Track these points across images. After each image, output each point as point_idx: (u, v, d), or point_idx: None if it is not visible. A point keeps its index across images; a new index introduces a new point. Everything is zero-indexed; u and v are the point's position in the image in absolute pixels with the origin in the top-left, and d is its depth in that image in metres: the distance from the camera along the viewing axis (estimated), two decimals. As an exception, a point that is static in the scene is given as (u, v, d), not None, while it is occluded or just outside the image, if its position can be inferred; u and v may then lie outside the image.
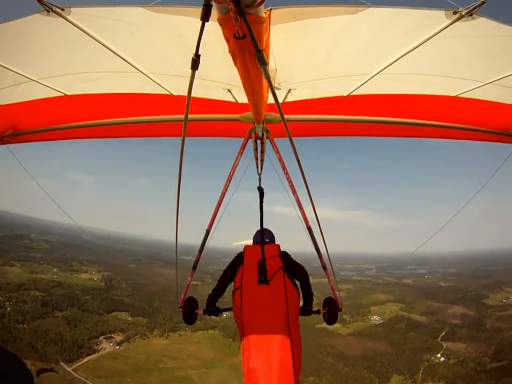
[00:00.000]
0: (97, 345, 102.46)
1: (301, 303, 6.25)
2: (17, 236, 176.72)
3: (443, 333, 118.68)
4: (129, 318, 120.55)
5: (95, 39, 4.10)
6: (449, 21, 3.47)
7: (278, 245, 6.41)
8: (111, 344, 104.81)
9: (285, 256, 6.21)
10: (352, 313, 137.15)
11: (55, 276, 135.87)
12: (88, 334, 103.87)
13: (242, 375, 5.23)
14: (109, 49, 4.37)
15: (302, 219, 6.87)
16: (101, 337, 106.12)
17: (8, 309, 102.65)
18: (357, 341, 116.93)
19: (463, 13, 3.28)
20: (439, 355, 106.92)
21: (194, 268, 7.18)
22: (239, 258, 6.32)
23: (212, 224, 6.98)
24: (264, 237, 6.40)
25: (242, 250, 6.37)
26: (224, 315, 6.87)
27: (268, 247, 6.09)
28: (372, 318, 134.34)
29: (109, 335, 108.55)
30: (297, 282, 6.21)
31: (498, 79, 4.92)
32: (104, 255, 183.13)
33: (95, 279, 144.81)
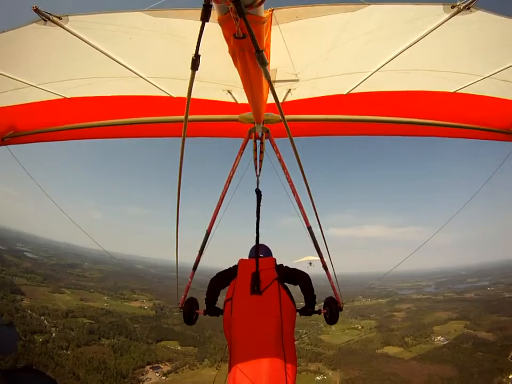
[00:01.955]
0: (143, 375, 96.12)
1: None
2: (70, 265, 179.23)
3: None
4: (179, 348, 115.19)
5: (93, 47, 4.15)
6: (447, 15, 3.52)
7: (274, 259, 6.17)
8: (158, 374, 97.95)
9: (281, 268, 5.99)
10: (415, 335, 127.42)
11: (105, 304, 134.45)
12: (133, 364, 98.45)
13: None
14: (108, 56, 4.43)
15: (303, 219, 6.67)
16: (147, 367, 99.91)
17: (53, 334, 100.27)
18: (421, 366, 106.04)
19: (461, 7, 3.34)
20: (511, 376, 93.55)
21: (194, 268, 7.21)
22: (232, 270, 6.10)
23: (212, 225, 6.87)
24: (259, 252, 6.14)
25: (237, 263, 6.16)
26: None
27: (263, 260, 5.92)
28: (435, 339, 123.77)
29: (156, 364, 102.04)
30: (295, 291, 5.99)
31: (498, 72, 4.85)
32: (156, 284, 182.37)
33: (145, 307, 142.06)
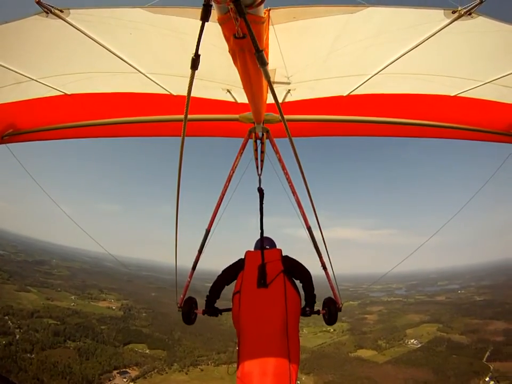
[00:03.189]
0: (110, 380, 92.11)
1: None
2: (37, 262, 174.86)
3: (488, 353, 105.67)
4: (147, 351, 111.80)
5: (94, 40, 4.14)
6: (448, 20, 3.52)
7: (280, 250, 6.24)
8: (125, 379, 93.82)
9: (286, 259, 6.03)
10: (388, 338, 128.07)
11: (72, 304, 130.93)
12: (100, 368, 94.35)
13: (236, 380, 4.97)
14: (108, 50, 4.40)
15: (302, 219, 6.67)
16: (114, 372, 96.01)
17: (18, 336, 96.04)
18: (396, 370, 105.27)
19: (462, 12, 3.33)
20: (487, 378, 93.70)
21: (193, 267, 7.11)
22: (240, 263, 6.13)
23: (212, 224, 6.84)
24: (264, 243, 6.20)
25: (243, 256, 6.24)
26: None
27: (269, 252, 5.98)
28: (409, 342, 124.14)
29: (123, 369, 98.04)
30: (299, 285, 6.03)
31: (498, 78, 4.87)
32: (126, 283, 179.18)
33: (113, 307, 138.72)
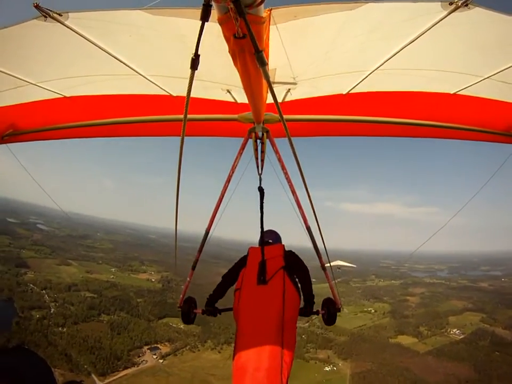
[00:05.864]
0: (139, 357, 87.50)
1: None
2: (81, 236, 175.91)
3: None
4: (181, 326, 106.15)
5: (93, 43, 4.10)
6: (445, 12, 3.46)
7: (283, 245, 6.18)
8: (155, 356, 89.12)
9: (289, 255, 5.91)
10: (430, 325, 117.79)
11: (112, 276, 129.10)
12: (130, 344, 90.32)
13: (232, 375, 4.92)
14: (107, 53, 4.36)
15: (302, 219, 6.46)
16: (145, 348, 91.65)
17: (52, 310, 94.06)
18: (437, 362, 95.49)
19: (459, 3, 3.28)
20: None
21: (193, 268, 7.09)
22: (242, 260, 6.12)
23: (211, 224, 6.82)
24: (268, 238, 6.34)
25: (246, 253, 6.17)
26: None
27: (271, 248, 5.92)
28: (451, 332, 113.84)
29: (155, 345, 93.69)
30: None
31: (497, 73, 4.70)
32: (166, 255, 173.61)
33: (153, 280, 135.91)
